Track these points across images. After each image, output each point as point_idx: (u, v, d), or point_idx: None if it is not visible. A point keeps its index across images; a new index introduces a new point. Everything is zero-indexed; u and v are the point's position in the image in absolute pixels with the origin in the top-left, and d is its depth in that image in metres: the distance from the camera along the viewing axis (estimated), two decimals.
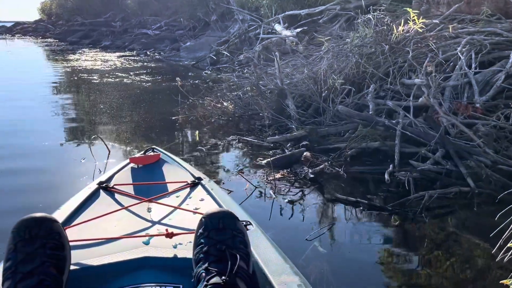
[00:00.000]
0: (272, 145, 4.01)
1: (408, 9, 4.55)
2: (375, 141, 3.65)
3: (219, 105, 5.71)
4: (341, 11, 10.61)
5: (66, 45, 20.49)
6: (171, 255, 1.19)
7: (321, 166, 3.20)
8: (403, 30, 4.51)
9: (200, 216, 1.17)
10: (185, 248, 1.23)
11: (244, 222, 1.18)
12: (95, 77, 8.87)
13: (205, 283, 0.92)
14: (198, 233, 1.08)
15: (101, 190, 1.65)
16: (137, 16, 24.04)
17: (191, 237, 1.16)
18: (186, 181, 1.74)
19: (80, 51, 16.66)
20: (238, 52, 11.70)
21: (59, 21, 30.74)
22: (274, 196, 2.87)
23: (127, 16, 25.00)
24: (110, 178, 1.77)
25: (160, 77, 9.07)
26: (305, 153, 3.46)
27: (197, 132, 4.60)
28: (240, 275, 0.97)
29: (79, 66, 11.03)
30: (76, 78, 9.04)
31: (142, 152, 2.07)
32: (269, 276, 1.10)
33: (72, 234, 1.20)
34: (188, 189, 1.70)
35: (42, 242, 0.98)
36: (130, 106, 6.31)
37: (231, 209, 1.22)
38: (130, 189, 1.70)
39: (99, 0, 27.84)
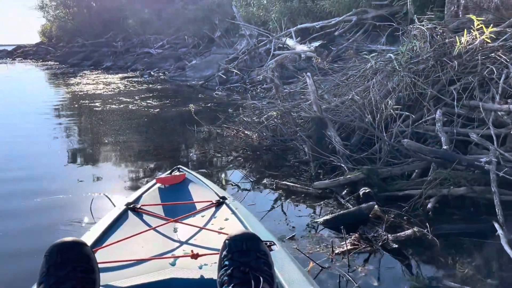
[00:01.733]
0: (320, 191, 3.19)
1: (472, 16, 3.77)
2: (459, 185, 2.83)
3: (242, 135, 4.91)
4: (358, 22, 9.93)
5: (67, 68, 19.89)
6: (197, 277, 1.19)
7: (407, 233, 2.37)
8: (467, 42, 3.72)
9: (225, 236, 1.18)
10: (210, 269, 1.23)
11: (268, 243, 1.16)
12: (97, 104, 8.11)
13: None
14: (222, 255, 1.07)
15: (129, 211, 1.67)
16: (138, 35, 23.50)
17: (216, 257, 1.15)
18: (211, 201, 1.75)
19: (81, 74, 16.00)
20: (249, 69, 10.98)
21: (60, 43, 30.35)
22: (355, 284, 2.03)
23: (128, 35, 24.48)
24: (137, 199, 1.80)
25: (168, 101, 8.30)
26: (375, 208, 2.63)
27: (223, 176, 3.79)
28: None
29: (80, 91, 10.31)
30: (77, 105, 8.29)
31: (168, 172, 2.11)
32: None
33: (101, 255, 1.20)
34: (213, 209, 1.71)
35: (73, 265, 1.01)
36: (138, 138, 5.52)
37: (255, 229, 1.28)
38: (157, 209, 1.72)
39: (100, 20, 27.45)
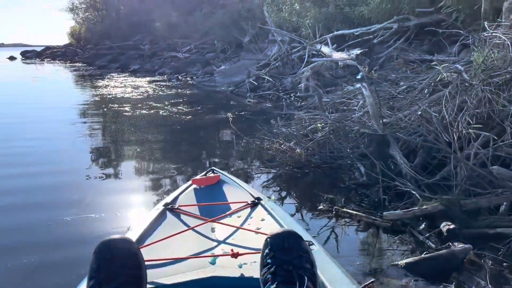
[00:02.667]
0: (390, 223, 2.74)
1: None
2: None
3: (285, 148, 4.49)
4: (399, 29, 9.42)
5: (95, 70, 19.93)
6: (237, 275, 1.20)
7: None
8: None
9: (262, 236, 1.25)
10: (250, 267, 1.23)
11: (307, 242, 1.13)
12: (127, 108, 7.84)
13: None
14: (264, 253, 1.07)
15: (167, 212, 1.70)
16: (165, 39, 23.44)
17: (256, 257, 1.19)
18: (246, 201, 1.77)
19: (108, 76, 15.92)
20: (281, 76, 10.58)
21: (88, 45, 30.64)
22: None
23: (155, 39, 24.46)
24: (175, 200, 1.85)
25: (199, 108, 7.96)
26: (470, 252, 2.17)
27: (272, 197, 3.37)
28: None
29: (109, 94, 10.09)
30: (106, 109, 8.04)
31: (203, 173, 2.13)
32: None
33: (144, 254, 1.17)
34: (248, 209, 1.72)
35: (122, 262, 1.03)
36: (173, 150, 5.18)
37: (292, 229, 1.18)
38: (193, 210, 1.74)
39: (127, 23, 27.59)
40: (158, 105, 8.24)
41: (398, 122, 3.79)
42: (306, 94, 8.76)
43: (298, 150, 4.34)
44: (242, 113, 7.26)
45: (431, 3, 8.77)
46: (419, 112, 3.34)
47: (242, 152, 4.80)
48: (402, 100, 4.27)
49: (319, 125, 4.87)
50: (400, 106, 4.20)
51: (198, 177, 2.09)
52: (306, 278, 0.98)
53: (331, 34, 10.44)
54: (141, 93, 10.31)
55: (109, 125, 6.71)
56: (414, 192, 2.95)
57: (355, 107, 5.96)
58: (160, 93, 10.49)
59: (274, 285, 0.97)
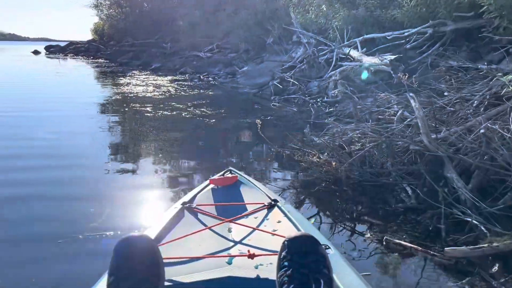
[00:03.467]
0: (453, 261, 2.35)
1: None
2: None
3: (321, 161, 4.13)
4: (433, 35, 8.94)
5: (116, 66, 19.89)
6: (253, 276, 1.20)
7: None
8: None
9: (279, 238, 1.34)
10: (266, 269, 1.24)
11: (323, 246, 1.13)
12: (148, 108, 7.59)
13: None
14: (282, 256, 1.07)
15: (185, 210, 1.73)
16: (188, 37, 23.30)
17: (272, 258, 1.23)
18: (263, 203, 1.77)
19: (130, 74, 15.79)
20: (306, 79, 10.21)
21: (110, 41, 30.78)
22: None
23: (177, 37, 24.33)
24: (192, 199, 1.87)
25: (223, 110, 7.66)
26: None
27: (313, 219, 3.02)
28: None
29: (130, 93, 9.89)
30: (127, 108, 7.80)
31: (221, 173, 2.16)
32: None
33: (162, 251, 1.19)
34: (265, 211, 1.73)
35: (141, 259, 1.05)
36: (196, 156, 4.86)
37: (309, 232, 1.19)
38: (211, 209, 1.76)
39: (150, 21, 27.58)
40: (181, 106, 7.97)
41: (450, 139, 3.39)
42: (334, 99, 8.38)
43: (334, 164, 3.98)
44: (268, 117, 6.92)
45: (470, 7, 8.27)
46: (482, 130, 2.94)
47: (270, 162, 4.46)
48: (451, 114, 3.86)
49: (355, 136, 4.51)
50: (449, 120, 3.80)
51: (215, 177, 2.11)
52: (322, 282, 0.98)
53: (361, 38, 10.02)
54: (163, 93, 10.08)
55: (131, 124, 6.46)
56: (478, 223, 2.56)
57: (391, 117, 5.59)
58: (182, 93, 10.23)
59: None
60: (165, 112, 7.24)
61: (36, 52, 35.38)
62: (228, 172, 2.17)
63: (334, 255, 1.27)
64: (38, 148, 4.86)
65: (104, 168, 4.13)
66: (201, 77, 14.54)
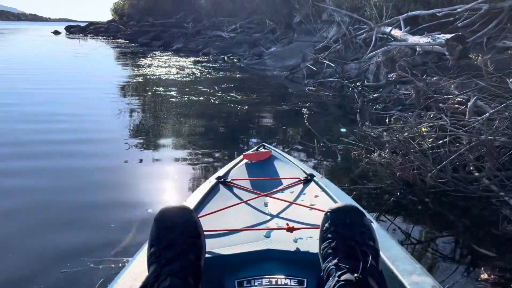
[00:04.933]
0: None
1: None
2: None
3: (387, 160, 3.40)
4: (489, 11, 7.95)
5: (137, 47, 19.30)
6: (293, 249, 1.18)
7: None
8: None
9: (317, 211, 1.35)
10: (305, 242, 1.22)
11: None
12: (173, 93, 6.93)
13: (336, 279, 0.88)
14: (324, 228, 1.04)
15: (220, 185, 1.70)
16: (210, 17, 22.48)
17: (311, 232, 1.23)
18: (299, 178, 1.74)
19: (151, 55, 15.16)
20: (342, 61, 9.36)
21: (130, 21, 30.18)
22: None
23: (199, 17, 23.55)
24: (227, 173, 1.84)
25: (255, 95, 6.93)
26: None
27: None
28: (371, 272, 0.90)
29: (153, 75, 9.23)
30: (151, 93, 7.16)
31: (254, 149, 2.11)
32: (398, 275, 1.04)
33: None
34: (301, 185, 1.70)
35: (181, 230, 1.02)
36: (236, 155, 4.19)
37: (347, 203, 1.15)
38: (246, 184, 1.73)
39: (171, 0, 26.80)
40: (208, 90, 7.28)
41: None
42: (377, 83, 7.55)
43: (410, 167, 3.24)
44: (307, 104, 6.16)
45: None
46: None
47: (321, 160, 3.74)
48: None
49: (423, 129, 3.75)
50: None
51: (249, 152, 2.05)
52: (370, 254, 0.93)
53: (405, 15, 9.07)
54: (187, 75, 9.40)
55: (156, 110, 5.82)
56: None
57: (455, 106, 4.78)
58: (208, 75, 9.53)
59: (336, 260, 0.93)
60: (192, 97, 6.56)
61: (56, 33, 35.15)
62: (262, 147, 2.13)
63: (376, 229, 1.14)
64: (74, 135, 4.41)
65: (138, 147, 4.06)
66: (226, 59, 13.79)
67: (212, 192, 1.64)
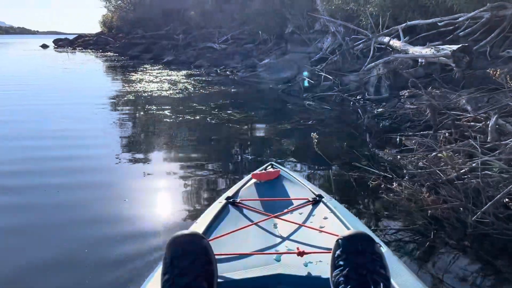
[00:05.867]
0: None
1: None
2: None
3: (429, 204, 3.04)
4: (491, 19, 7.73)
5: (127, 60, 18.89)
6: (303, 274, 1.17)
7: None
8: None
9: (326, 235, 1.36)
10: (315, 267, 1.22)
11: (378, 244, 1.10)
12: (167, 112, 6.55)
13: None
14: (336, 255, 1.05)
15: (229, 205, 1.71)
16: (200, 28, 22.19)
17: (321, 256, 1.25)
18: (307, 198, 1.74)
19: (142, 68, 14.78)
20: (339, 73, 9.07)
21: (120, 33, 29.80)
22: None
23: (189, 28, 23.26)
24: (236, 193, 1.85)
25: (253, 113, 6.58)
26: None
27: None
28: None
29: (144, 92, 8.85)
30: (142, 113, 6.77)
31: (262, 168, 2.15)
32: None
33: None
34: (310, 206, 1.69)
35: (194, 257, 1.04)
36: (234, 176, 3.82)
37: (360, 230, 1.17)
38: (255, 204, 1.73)
39: (160, 11, 26.52)
40: (203, 108, 6.92)
41: None
42: (379, 96, 7.26)
43: (440, 201, 2.90)
44: (310, 122, 5.83)
45: None
46: None
47: (336, 192, 3.38)
48: None
49: (445, 154, 3.42)
50: None
51: (257, 171, 2.05)
52: (381, 284, 0.94)
53: (404, 25, 8.84)
54: (180, 91, 9.03)
55: (148, 132, 5.43)
56: None
57: (469, 123, 4.48)
58: (202, 90, 9.17)
59: None
60: (187, 117, 6.19)
61: (44, 46, 34.60)
62: (270, 166, 2.15)
63: (386, 253, 1.12)
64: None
65: (144, 171, 3.92)
66: (218, 71, 13.46)
67: (222, 213, 1.64)
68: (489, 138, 3.76)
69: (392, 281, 1.06)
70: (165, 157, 4.40)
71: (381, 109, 6.39)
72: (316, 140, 3.74)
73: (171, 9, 26.01)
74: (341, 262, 1.01)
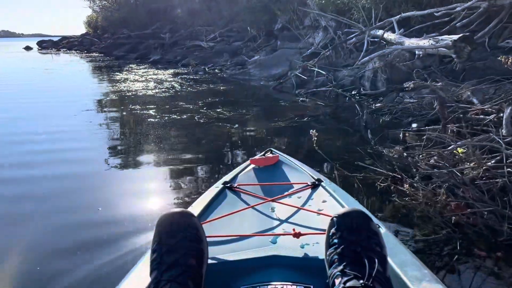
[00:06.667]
0: None
1: None
2: None
3: (453, 209, 2.68)
4: (488, 9, 7.44)
5: (112, 60, 18.36)
6: (300, 255, 1.15)
7: None
8: None
9: (325, 217, 1.31)
10: (312, 248, 1.20)
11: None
12: (152, 112, 6.12)
13: (342, 285, 0.87)
14: (330, 233, 1.01)
15: (226, 190, 1.68)
16: (187, 26, 21.72)
17: (318, 237, 1.19)
18: (306, 183, 1.71)
19: (127, 68, 14.29)
20: (332, 68, 8.72)
21: (105, 34, 29.19)
22: None
23: (176, 27, 22.78)
24: (234, 178, 1.81)
25: (245, 111, 6.18)
26: None
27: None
28: (377, 279, 0.87)
29: (129, 92, 8.39)
30: (126, 113, 6.33)
31: (261, 154, 2.08)
32: (407, 282, 0.98)
33: (205, 230, 1.15)
34: (309, 190, 1.66)
35: (183, 235, 1.01)
36: None
37: (354, 207, 1.10)
38: (253, 189, 1.70)
39: (146, 11, 26.01)
40: (191, 106, 6.50)
41: None
42: (376, 91, 6.92)
43: (464, 205, 2.53)
44: (305, 119, 5.46)
45: None
46: None
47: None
48: None
49: (460, 150, 3.07)
50: None
51: (256, 157, 2.00)
52: (376, 260, 0.90)
53: (398, 16, 8.51)
54: (167, 89, 8.59)
55: (130, 132, 5.01)
56: None
57: (478, 116, 4.15)
58: (189, 89, 8.74)
59: (341, 267, 0.91)
60: (174, 116, 5.77)
61: (28, 48, 33.77)
62: (269, 152, 2.07)
63: (385, 234, 1.08)
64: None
65: (120, 168, 3.73)
66: (206, 69, 13.03)
67: (218, 197, 1.61)
68: (504, 131, 3.42)
69: (390, 261, 1.02)
70: (154, 156, 4.00)
71: (379, 104, 6.05)
72: (315, 138, 3.38)
73: (157, 8, 25.52)
74: (335, 241, 0.97)
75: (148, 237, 2.26)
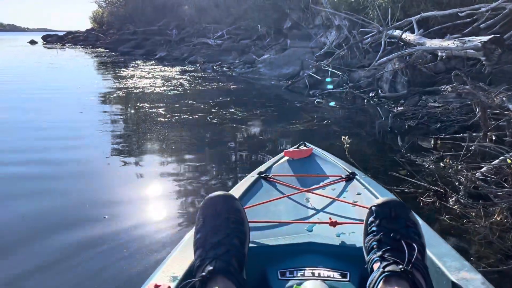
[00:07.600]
0: None
1: None
2: None
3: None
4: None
5: (117, 56, 18.06)
6: (336, 243, 1.16)
7: None
8: None
9: (360, 208, 1.34)
10: (348, 237, 1.21)
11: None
12: (161, 111, 5.80)
13: (381, 270, 0.85)
14: (369, 221, 1.00)
15: (261, 180, 1.69)
16: (194, 23, 21.38)
17: (355, 227, 1.23)
18: (341, 175, 1.71)
19: (133, 64, 13.98)
20: (347, 68, 8.38)
21: (110, 29, 28.90)
22: None
23: (183, 23, 22.45)
24: (268, 169, 1.82)
25: (259, 111, 5.85)
26: None
27: None
28: (416, 266, 0.86)
29: (135, 89, 8.08)
30: (133, 111, 6.03)
31: (295, 146, 2.10)
32: (445, 271, 0.98)
33: None
34: (343, 183, 1.67)
35: (226, 216, 1.03)
36: None
37: (392, 197, 1.13)
38: (287, 180, 1.70)
39: (152, 7, 25.69)
40: (202, 105, 6.18)
41: None
42: (396, 94, 6.59)
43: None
44: (324, 122, 5.13)
45: None
46: None
47: None
48: None
49: (509, 160, 2.75)
50: None
51: (290, 149, 2.03)
52: (416, 248, 0.88)
53: (419, 16, 8.17)
54: (175, 87, 8.28)
55: (137, 131, 4.69)
56: None
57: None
58: (198, 87, 8.42)
59: (380, 252, 0.89)
60: (184, 116, 5.45)
61: (32, 42, 33.50)
62: (303, 145, 2.08)
63: (423, 225, 1.07)
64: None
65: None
66: (214, 67, 12.70)
67: (254, 186, 1.62)
68: None
69: (428, 251, 1.00)
70: (161, 160, 3.68)
71: (401, 108, 5.71)
72: (347, 146, 3.06)
73: (163, 4, 25.20)
74: (374, 228, 0.96)
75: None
